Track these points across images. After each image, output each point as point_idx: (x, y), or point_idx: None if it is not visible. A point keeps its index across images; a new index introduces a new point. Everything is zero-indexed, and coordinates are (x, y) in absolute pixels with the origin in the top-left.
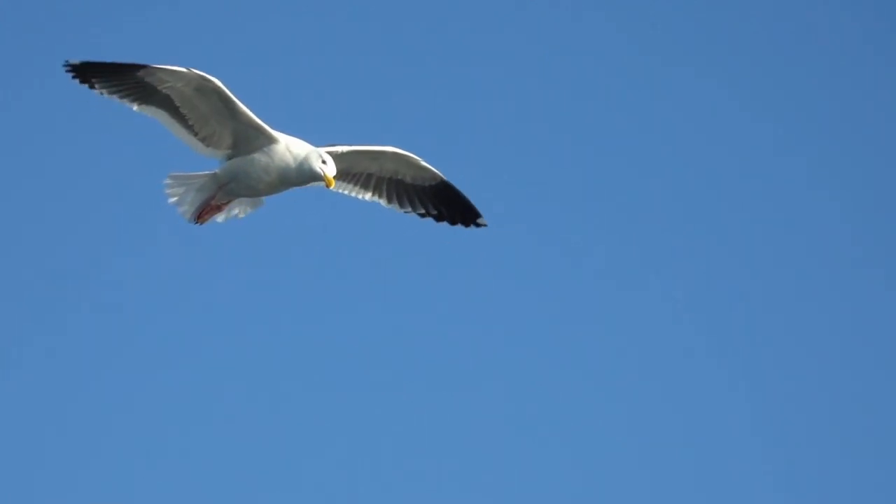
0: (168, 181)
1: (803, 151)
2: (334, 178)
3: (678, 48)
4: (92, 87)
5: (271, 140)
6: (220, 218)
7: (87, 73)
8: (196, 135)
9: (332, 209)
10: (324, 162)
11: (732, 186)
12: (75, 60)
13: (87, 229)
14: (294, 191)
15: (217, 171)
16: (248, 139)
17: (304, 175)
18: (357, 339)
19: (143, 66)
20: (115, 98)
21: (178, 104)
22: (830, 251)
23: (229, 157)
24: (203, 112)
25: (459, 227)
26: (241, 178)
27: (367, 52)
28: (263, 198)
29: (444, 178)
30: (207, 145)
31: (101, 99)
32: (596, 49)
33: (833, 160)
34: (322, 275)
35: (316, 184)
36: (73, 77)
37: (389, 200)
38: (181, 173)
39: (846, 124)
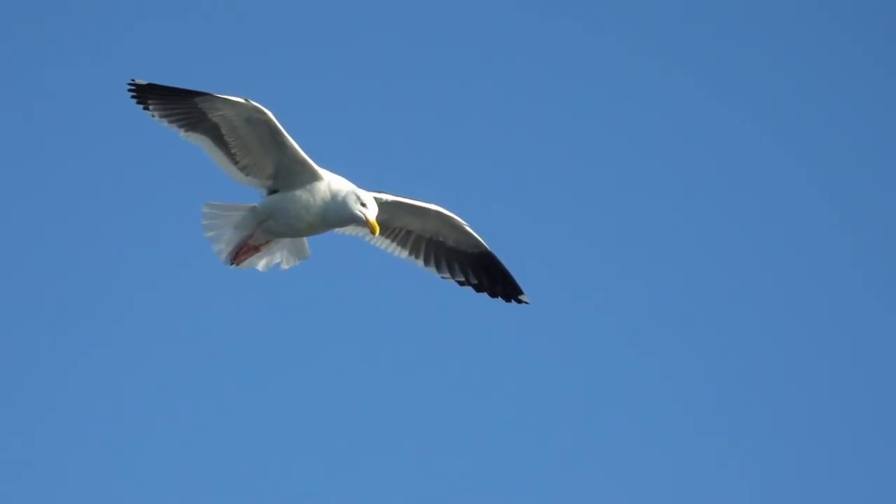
0: (206, 210)
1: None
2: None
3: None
4: (146, 108)
5: (315, 177)
6: (260, 266)
7: (147, 94)
8: (237, 163)
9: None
10: (363, 204)
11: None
12: (141, 81)
13: (101, 239)
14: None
15: (256, 205)
16: (291, 173)
17: (342, 216)
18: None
19: (203, 94)
20: (164, 122)
21: (224, 132)
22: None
23: (269, 189)
24: (248, 141)
25: (499, 300)
26: (281, 216)
27: (362, 72)
28: (308, 248)
29: (488, 248)
30: (247, 174)
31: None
32: (598, 58)
33: (836, 166)
34: (351, 321)
35: (358, 229)
36: (133, 97)
37: (427, 262)
38: (220, 202)
39: (847, 130)
